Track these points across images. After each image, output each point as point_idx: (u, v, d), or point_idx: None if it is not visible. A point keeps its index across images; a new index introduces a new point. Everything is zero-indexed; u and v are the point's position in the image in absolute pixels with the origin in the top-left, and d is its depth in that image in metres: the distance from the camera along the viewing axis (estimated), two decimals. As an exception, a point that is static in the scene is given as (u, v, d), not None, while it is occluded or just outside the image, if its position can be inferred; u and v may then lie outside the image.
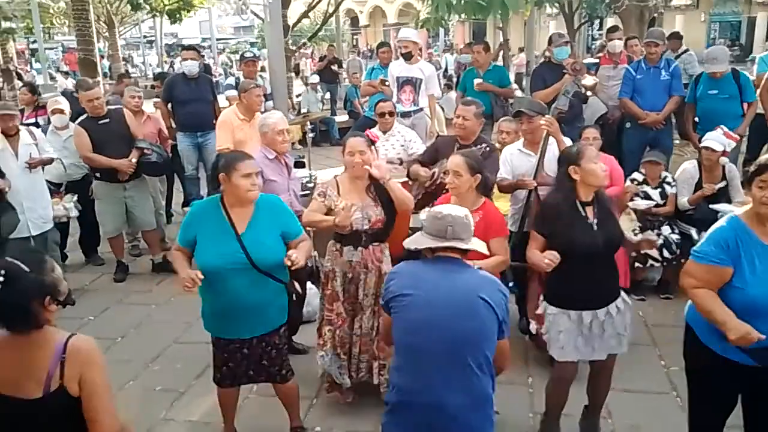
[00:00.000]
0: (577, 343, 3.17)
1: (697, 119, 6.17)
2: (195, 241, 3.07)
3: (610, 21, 17.96)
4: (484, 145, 4.29)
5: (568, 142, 4.24)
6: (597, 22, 22.99)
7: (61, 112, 6.01)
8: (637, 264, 5.11)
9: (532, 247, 3.20)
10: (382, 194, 3.57)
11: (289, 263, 2.96)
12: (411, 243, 2.57)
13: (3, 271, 1.94)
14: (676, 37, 8.25)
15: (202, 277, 2.90)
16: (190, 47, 7.45)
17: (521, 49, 17.78)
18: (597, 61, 6.58)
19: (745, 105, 6.04)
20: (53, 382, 1.98)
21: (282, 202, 3.28)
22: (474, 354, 2.34)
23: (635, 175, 5.36)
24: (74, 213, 5.62)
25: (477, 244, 2.52)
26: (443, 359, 2.33)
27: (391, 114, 5.07)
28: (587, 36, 24.33)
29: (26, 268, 1.98)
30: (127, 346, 4.57)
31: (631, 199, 5.13)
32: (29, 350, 2.01)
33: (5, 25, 21.72)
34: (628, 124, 6.34)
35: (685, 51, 8.12)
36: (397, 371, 2.46)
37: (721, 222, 2.66)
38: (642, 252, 5.03)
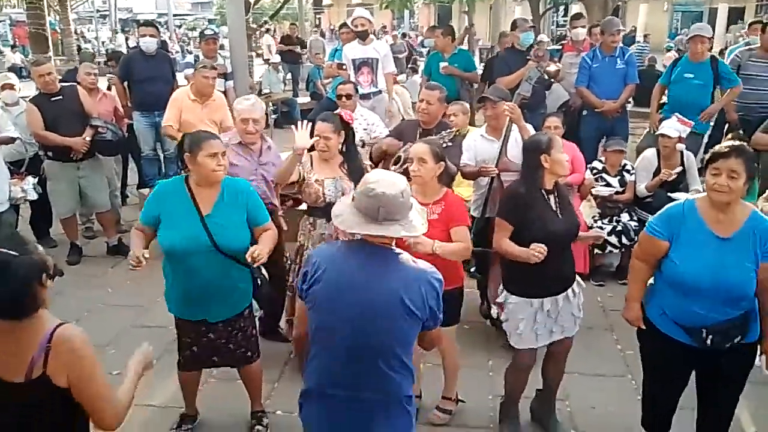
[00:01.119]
0: (536, 329, 3.21)
1: (665, 101, 6.26)
2: (158, 220, 2.99)
3: (575, 8, 18.12)
4: (449, 130, 4.27)
5: (530, 129, 4.28)
6: (562, 8, 23.20)
7: (11, 87, 5.79)
8: (596, 250, 5.20)
9: (501, 236, 3.19)
10: (355, 172, 3.66)
11: (250, 259, 2.89)
12: (339, 220, 2.29)
13: None
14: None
15: (147, 257, 2.87)
16: (148, 23, 7.21)
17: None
18: (560, 48, 6.62)
19: (717, 94, 6.13)
20: (35, 370, 1.94)
21: (249, 186, 3.22)
22: (385, 357, 2.22)
23: (595, 163, 5.43)
24: (33, 195, 5.37)
25: (413, 225, 2.27)
26: (353, 358, 2.22)
27: (349, 96, 4.99)
28: (552, 22, 24.52)
29: (14, 253, 1.91)
30: (85, 330, 4.42)
31: (592, 187, 5.21)
32: (17, 333, 1.95)
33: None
34: (584, 112, 6.42)
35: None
36: (312, 360, 2.34)
37: (678, 202, 2.84)
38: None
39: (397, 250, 2.31)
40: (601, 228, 5.09)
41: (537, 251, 2.98)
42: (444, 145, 4.05)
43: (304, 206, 4.30)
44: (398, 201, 2.21)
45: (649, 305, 2.90)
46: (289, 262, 4.78)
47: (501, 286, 3.37)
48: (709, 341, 2.68)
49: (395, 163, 4.26)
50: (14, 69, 19.54)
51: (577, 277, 3.34)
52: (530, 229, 3.08)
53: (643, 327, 2.87)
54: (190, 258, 2.92)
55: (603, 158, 5.48)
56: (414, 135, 4.35)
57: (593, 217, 5.26)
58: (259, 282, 3.10)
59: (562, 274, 3.23)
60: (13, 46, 22.76)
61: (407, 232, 2.26)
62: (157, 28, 7.07)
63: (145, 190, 6.66)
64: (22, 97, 5.87)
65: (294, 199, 4.92)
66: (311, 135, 3.73)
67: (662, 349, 2.84)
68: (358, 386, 2.23)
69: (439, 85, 4.57)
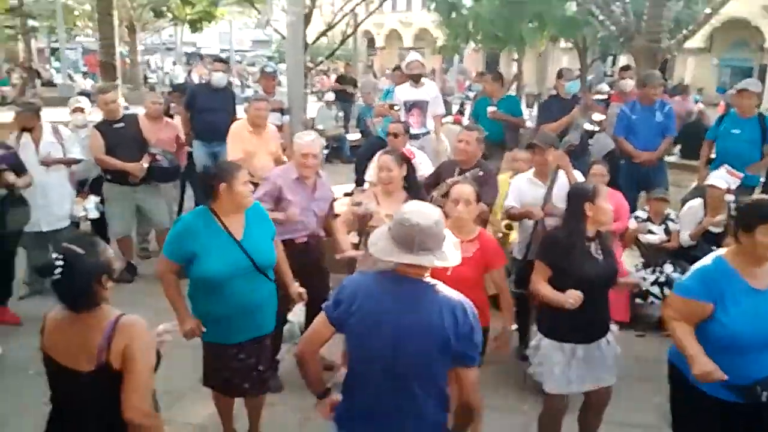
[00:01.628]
0: (569, 375, 3.22)
1: (713, 156, 6.24)
2: (191, 255, 3.08)
3: (623, 59, 18.16)
4: (478, 169, 4.37)
5: (578, 175, 4.36)
6: (610, 58, 23.24)
7: (81, 111, 6.15)
8: (638, 300, 5.18)
9: (539, 279, 3.25)
10: None
11: (300, 300, 3.25)
12: (377, 250, 2.32)
13: (62, 256, 2.11)
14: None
15: (203, 329, 3.11)
16: (221, 60, 7.64)
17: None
18: (606, 97, 6.69)
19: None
20: (102, 356, 2.13)
21: (261, 206, 3.41)
22: (421, 384, 2.27)
23: (639, 212, 5.45)
24: (94, 214, 5.63)
25: (447, 255, 2.30)
26: (390, 386, 2.27)
27: (397, 135, 5.18)
28: (600, 72, 24.53)
29: (81, 251, 2.14)
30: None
31: (636, 238, 5.23)
32: (85, 327, 2.17)
33: (30, 23, 22.04)
34: (622, 162, 6.44)
35: None
36: (349, 386, 2.40)
37: (706, 260, 2.72)
38: (644, 288, 5.13)
39: (432, 281, 2.33)
40: (644, 279, 5.09)
41: (572, 298, 3.01)
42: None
43: (350, 238, 4.45)
44: (432, 231, 2.24)
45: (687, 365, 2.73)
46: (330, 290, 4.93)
47: (535, 329, 3.42)
48: (764, 397, 2.58)
49: (442, 196, 4.37)
50: (84, 94, 20.61)
51: (612, 327, 3.35)
52: (567, 273, 3.13)
53: (725, 377, 2.56)
54: (231, 282, 3.07)
55: (647, 207, 5.50)
56: (452, 174, 4.49)
57: (635, 266, 5.25)
58: (282, 297, 3.36)
59: (597, 321, 3.25)
60: (84, 73, 23.96)
61: (441, 262, 2.27)
62: (228, 65, 7.46)
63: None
64: (90, 121, 6.24)
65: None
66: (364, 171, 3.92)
67: (704, 407, 2.73)
68: (394, 413, 2.29)
69: (478, 126, 4.74)
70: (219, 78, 6.80)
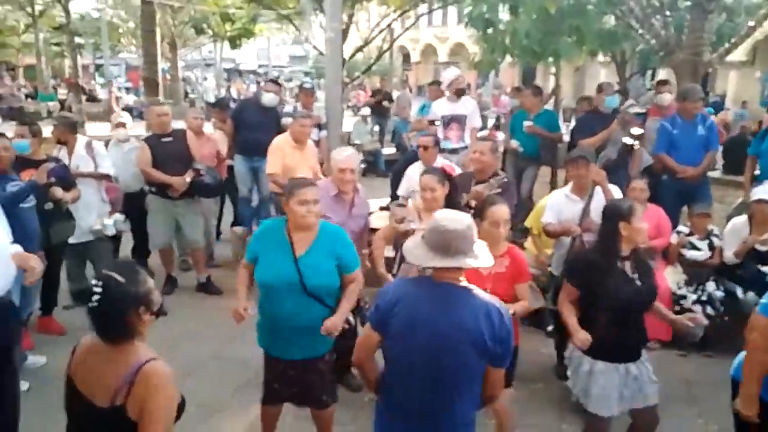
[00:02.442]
0: (609, 395, 3.17)
1: (758, 172, 6.08)
2: (256, 256, 3.23)
3: (662, 72, 17.87)
4: (498, 177, 4.36)
5: (615, 190, 4.31)
6: (649, 72, 22.90)
7: (124, 126, 6.29)
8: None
9: (564, 298, 3.24)
10: None
11: (325, 333, 3.07)
12: (411, 256, 2.46)
13: (101, 283, 2.04)
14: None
15: (251, 313, 3.14)
16: (274, 81, 7.77)
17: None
18: (645, 111, 6.58)
19: None
20: (119, 398, 2.04)
21: (345, 234, 3.37)
22: (456, 385, 2.37)
23: (682, 228, 5.34)
24: (110, 231, 5.58)
25: (480, 257, 2.41)
26: (427, 387, 2.38)
27: (426, 148, 5.18)
28: (639, 85, 24.17)
29: (121, 279, 2.06)
30: (167, 359, 4.67)
31: (680, 254, 5.12)
32: (111, 360, 2.08)
33: (76, 40, 22.76)
34: (664, 177, 6.31)
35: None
36: (388, 386, 2.53)
37: None
38: (686, 307, 5.01)
39: (468, 285, 2.43)
40: (685, 297, 4.99)
41: (581, 340, 3.03)
42: (494, 191, 4.18)
43: (387, 252, 4.46)
44: (466, 235, 2.37)
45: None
46: (367, 305, 4.94)
47: (571, 347, 3.36)
48: None
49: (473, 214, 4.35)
50: (126, 109, 21.23)
51: (652, 345, 3.30)
52: (598, 294, 3.09)
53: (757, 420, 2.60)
54: (278, 294, 3.11)
55: (689, 222, 5.38)
56: (469, 185, 4.50)
57: (678, 284, 5.14)
58: (346, 326, 3.23)
59: (629, 343, 3.19)
60: (126, 89, 24.65)
61: (476, 263, 2.39)
62: (280, 85, 7.60)
63: (239, 229, 7.04)
64: (133, 135, 6.39)
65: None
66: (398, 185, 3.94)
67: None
68: (429, 412, 2.39)
69: (492, 137, 4.74)
70: (270, 99, 6.90)
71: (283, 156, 5.71)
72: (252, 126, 6.80)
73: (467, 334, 2.30)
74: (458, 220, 2.41)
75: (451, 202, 3.97)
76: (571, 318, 3.15)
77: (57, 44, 28.38)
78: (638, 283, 3.14)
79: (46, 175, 4.32)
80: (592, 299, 3.13)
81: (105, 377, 2.06)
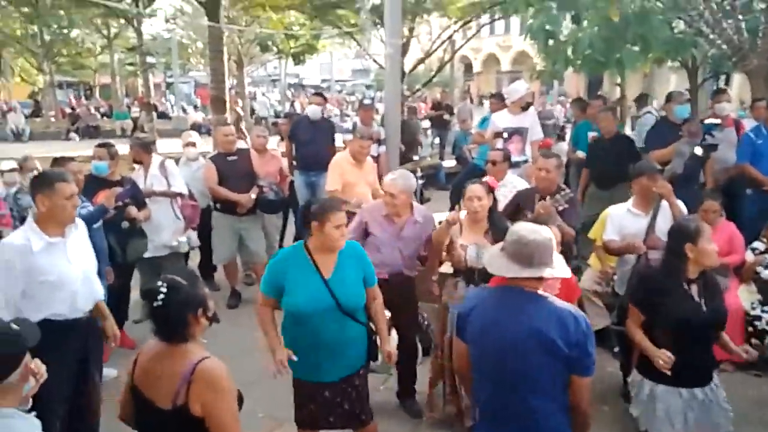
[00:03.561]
0: (671, 420, 3.07)
1: None
2: (282, 289, 3.17)
3: (737, 77, 17.09)
4: (564, 192, 4.25)
5: (682, 206, 4.16)
6: (723, 77, 21.94)
7: (193, 145, 6.57)
8: (753, 339, 4.81)
9: (632, 322, 3.15)
10: (500, 237, 3.77)
11: (389, 361, 3.21)
12: (493, 267, 2.54)
13: (165, 285, 2.22)
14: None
15: (295, 358, 3.10)
16: (317, 94, 7.93)
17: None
18: (719, 122, 6.32)
19: None
20: (179, 398, 2.16)
21: (361, 249, 3.40)
22: (534, 390, 2.41)
23: (757, 243, 5.09)
24: (184, 248, 5.82)
25: (559, 267, 2.48)
26: (505, 389, 2.46)
27: (494, 163, 5.14)
28: (711, 91, 23.23)
29: (183, 282, 2.24)
30: (234, 369, 4.79)
31: (757, 273, 4.88)
32: (170, 362, 2.23)
33: (148, 60, 23.79)
34: (749, 191, 6.02)
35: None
36: (475, 388, 2.64)
37: None
38: (759, 328, 4.78)
39: (543, 294, 2.50)
40: (759, 318, 4.76)
41: (663, 359, 2.91)
42: (560, 207, 4.09)
43: (444, 268, 4.45)
44: (548, 246, 2.46)
45: None
46: (426, 323, 4.93)
47: (634, 371, 3.30)
48: None
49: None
50: (195, 126, 21.97)
51: (715, 377, 3.17)
52: (665, 317, 3.00)
53: None
54: (313, 319, 3.10)
55: (765, 238, 5.12)
56: (533, 202, 4.42)
57: (752, 303, 4.90)
58: (375, 339, 3.28)
59: (698, 367, 3.09)
60: (195, 106, 25.55)
61: (557, 273, 2.47)
62: (325, 99, 7.74)
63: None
64: (202, 153, 6.64)
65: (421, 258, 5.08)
66: (459, 199, 3.93)
67: None
68: (512, 417, 2.46)
69: (556, 153, 4.64)
70: (313, 111, 7.04)
71: (342, 173, 5.80)
72: (305, 141, 6.97)
73: (536, 337, 2.36)
74: (538, 231, 2.48)
75: (492, 216, 3.95)
76: (644, 341, 3.06)
77: (130, 64, 29.73)
78: (704, 308, 3.02)
79: (115, 199, 4.51)
80: (655, 321, 3.04)
81: (164, 379, 2.19)
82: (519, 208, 4.50)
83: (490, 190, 3.98)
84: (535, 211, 4.09)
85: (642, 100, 9.47)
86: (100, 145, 5.18)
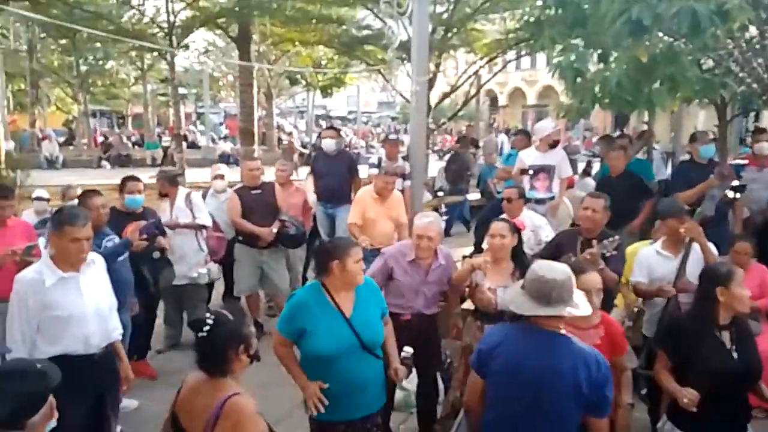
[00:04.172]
0: None
1: None
2: (302, 331, 3.12)
3: (767, 114, 16.87)
4: (612, 239, 4.16)
5: (713, 248, 4.08)
6: (753, 114, 21.66)
7: (221, 177, 6.66)
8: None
9: (660, 367, 3.08)
10: None
11: (397, 379, 3.20)
12: (513, 305, 2.59)
13: (213, 317, 2.28)
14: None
15: (326, 386, 3.07)
16: (331, 127, 8.03)
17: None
18: (746, 162, 6.23)
19: None
20: (208, 430, 2.20)
21: (373, 282, 3.41)
22: (552, 423, 2.45)
23: (790, 287, 4.95)
24: (204, 280, 5.86)
25: (579, 305, 2.50)
26: (528, 426, 2.48)
27: (510, 200, 5.10)
28: (741, 128, 22.91)
29: (230, 317, 2.31)
30: (256, 404, 4.76)
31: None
32: (207, 395, 2.27)
33: (180, 91, 24.35)
34: None
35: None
36: (490, 425, 2.63)
37: None
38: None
39: (566, 334, 2.53)
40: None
41: (688, 398, 2.83)
42: (608, 254, 4.01)
43: (467, 305, 4.39)
44: (566, 285, 2.47)
45: None
46: (449, 360, 4.87)
47: (665, 417, 3.21)
48: None
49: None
50: (223, 156, 22.32)
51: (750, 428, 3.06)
52: (694, 366, 2.92)
53: None
54: (338, 360, 3.07)
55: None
56: (574, 245, 4.35)
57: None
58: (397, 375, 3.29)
59: (731, 421, 2.98)
60: (224, 137, 25.99)
61: (576, 311, 2.48)
62: (338, 132, 7.84)
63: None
64: (229, 186, 6.71)
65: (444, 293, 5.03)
66: (484, 234, 3.91)
67: None
68: None
69: (603, 194, 4.51)
70: (328, 144, 7.12)
71: (364, 208, 5.83)
72: (323, 174, 7.04)
73: (565, 379, 2.40)
74: (557, 269, 2.52)
75: (516, 254, 3.93)
76: (671, 383, 2.98)
77: (163, 94, 30.45)
78: (735, 355, 2.93)
79: (139, 232, 4.59)
80: (683, 368, 2.96)
81: (199, 410, 2.24)
82: (558, 249, 4.35)
83: (516, 230, 3.96)
84: (582, 258, 3.97)
85: (642, 136, 9.35)
86: (131, 179, 5.25)
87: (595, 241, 4.16)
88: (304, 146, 22.27)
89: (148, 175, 6.72)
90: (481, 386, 2.66)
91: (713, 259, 3.99)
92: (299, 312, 3.16)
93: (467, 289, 4.08)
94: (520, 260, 3.90)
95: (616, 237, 4.20)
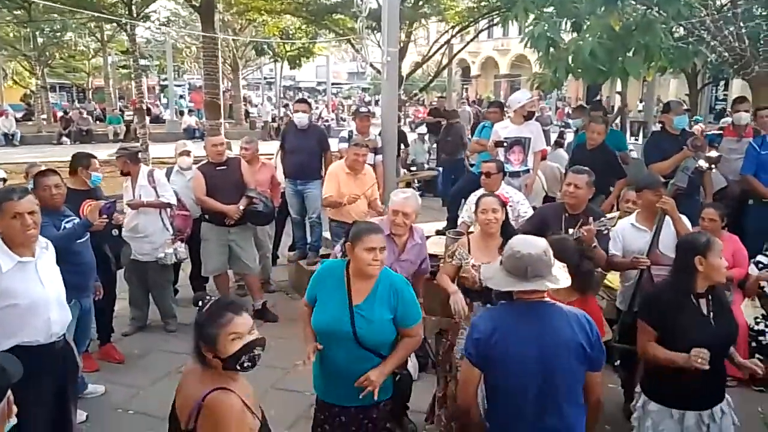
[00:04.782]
0: None
1: None
2: (315, 299, 3.10)
3: (737, 82, 17.05)
4: (608, 216, 4.10)
5: (686, 221, 4.06)
6: (722, 82, 21.92)
7: (187, 154, 6.42)
8: (757, 355, 4.69)
9: (645, 339, 3.03)
10: None
11: (359, 386, 2.89)
12: (491, 282, 2.59)
13: (211, 299, 2.25)
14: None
15: (320, 347, 2.97)
16: (301, 100, 7.77)
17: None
18: (720, 132, 6.22)
19: None
20: (191, 423, 2.12)
21: (406, 283, 3.15)
22: (568, 397, 2.45)
23: (761, 257, 5.00)
24: (170, 260, 5.67)
25: (558, 278, 2.48)
26: (540, 406, 2.43)
27: (489, 175, 4.99)
28: (711, 97, 23.19)
29: (207, 307, 2.20)
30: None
31: (761, 287, 4.77)
32: (195, 383, 2.17)
33: (141, 63, 23.67)
34: (750, 202, 5.92)
35: None
36: (494, 415, 2.57)
37: None
38: (764, 343, 4.68)
39: (551, 301, 2.53)
40: (763, 333, 4.65)
41: (700, 357, 2.75)
42: (606, 231, 3.95)
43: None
44: (543, 259, 2.45)
45: None
46: (424, 337, 4.79)
47: (638, 389, 3.20)
48: None
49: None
50: (189, 130, 21.86)
51: (728, 397, 3.06)
52: (674, 335, 2.90)
53: None
54: (330, 341, 2.98)
55: (769, 252, 5.02)
56: (559, 220, 4.28)
57: (756, 318, 4.79)
58: (397, 378, 3.09)
59: (710, 387, 2.98)
60: (189, 110, 25.41)
61: (555, 285, 2.46)
62: (310, 105, 7.56)
63: (293, 253, 7.05)
64: (195, 163, 6.48)
65: (433, 273, 4.95)
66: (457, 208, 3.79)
67: None
68: (547, 428, 2.45)
69: (587, 169, 4.42)
70: (300, 118, 6.78)
71: (338, 183, 5.68)
72: (293, 150, 6.75)
73: (569, 344, 2.40)
74: (533, 244, 2.50)
75: (505, 229, 3.85)
76: (665, 352, 2.92)
77: (124, 67, 29.58)
78: (713, 322, 2.93)
79: (99, 212, 4.40)
80: (667, 340, 2.93)
81: (187, 400, 2.16)
82: (544, 224, 4.26)
83: (504, 204, 3.90)
84: (579, 233, 3.90)
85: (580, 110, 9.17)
86: (91, 156, 5.03)
87: (591, 218, 4.10)
88: (273, 120, 21.94)
89: (108, 153, 6.45)
90: (478, 379, 2.54)
91: (686, 232, 3.96)
92: (319, 281, 3.13)
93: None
94: (508, 235, 3.79)
95: (613, 214, 4.13)
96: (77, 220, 4.31)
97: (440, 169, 12.21)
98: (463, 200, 6.15)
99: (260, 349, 2.22)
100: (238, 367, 2.16)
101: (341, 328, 2.95)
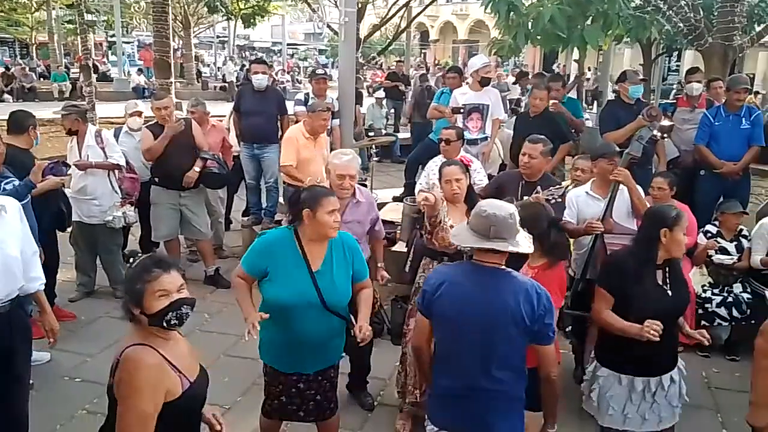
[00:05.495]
0: (626, 410, 3.05)
1: None
2: (265, 272, 2.98)
3: (689, 54, 17.36)
4: (559, 186, 4.10)
5: (640, 191, 4.11)
6: (675, 53, 22.30)
7: (139, 114, 6.19)
8: (703, 322, 4.85)
9: (602, 307, 3.06)
10: None
11: (360, 339, 2.89)
12: (457, 239, 2.63)
13: (142, 256, 2.24)
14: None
15: (266, 316, 2.88)
16: (260, 61, 7.51)
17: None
18: (674, 101, 6.30)
19: None
20: (113, 377, 2.09)
21: (355, 241, 3.17)
22: (500, 363, 2.47)
23: (709, 227, 5.12)
24: (118, 224, 5.48)
25: (520, 243, 2.49)
26: (474, 363, 2.49)
27: (448, 142, 4.95)
28: (664, 67, 23.59)
29: (139, 264, 2.15)
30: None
31: (709, 256, 4.90)
32: (124, 341, 2.13)
33: (87, 18, 22.66)
34: (702, 172, 6.05)
35: None
36: (438, 365, 2.65)
37: None
38: (710, 310, 4.83)
39: (507, 269, 2.55)
40: (710, 300, 4.81)
41: (652, 329, 2.80)
42: (554, 201, 3.96)
43: (398, 247, 4.24)
44: (507, 222, 2.47)
45: None
46: (378, 303, 4.78)
47: (591, 354, 3.25)
48: None
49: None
50: (137, 89, 21.11)
51: (680, 363, 3.14)
52: (631, 303, 2.94)
53: None
54: (294, 312, 2.92)
55: (717, 221, 5.15)
56: (516, 188, 4.28)
57: (703, 286, 4.93)
58: (352, 333, 3.04)
59: (663, 354, 3.04)
60: (139, 69, 24.49)
61: (514, 248, 2.47)
62: (269, 66, 7.29)
63: (247, 219, 6.92)
64: (145, 125, 6.23)
65: (388, 239, 4.91)
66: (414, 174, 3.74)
67: None
68: (481, 392, 2.50)
69: (543, 137, 4.41)
70: (259, 79, 6.51)
71: (297, 148, 5.51)
72: (250, 112, 6.52)
73: (509, 313, 2.41)
74: (501, 207, 2.53)
75: (468, 194, 3.82)
76: (620, 321, 2.95)
77: (69, 21, 28.23)
78: (669, 293, 2.98)
79: (42, 172, 4.19)
80: (623, 307, 2.98)
81: (116, 356, 2.11)
82: (500, 190, 4.26)
83: (467, 168, 3.86)
84: (527, 202, 3.88)
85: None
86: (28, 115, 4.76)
87: (539, 187, 4.11)
88: (238, 81, 21.28)
89: (53, 111, 6.14)
90: (429, 326, 2.64)
91: (641, 202, 4.01)
92: (266, 252, 3.00)
93: (428, 235, 3.89)
94: (472, 200, 3.75)
95: (563, 183, 4.15)
96: (17, 182, 4.09)
97: (398, 135, 12.14)
98: (420, 167, 6.11)
99: (188, 308, 2.15)
100: (165, 324, 2.10)
101: (306, 297, 2.90)
